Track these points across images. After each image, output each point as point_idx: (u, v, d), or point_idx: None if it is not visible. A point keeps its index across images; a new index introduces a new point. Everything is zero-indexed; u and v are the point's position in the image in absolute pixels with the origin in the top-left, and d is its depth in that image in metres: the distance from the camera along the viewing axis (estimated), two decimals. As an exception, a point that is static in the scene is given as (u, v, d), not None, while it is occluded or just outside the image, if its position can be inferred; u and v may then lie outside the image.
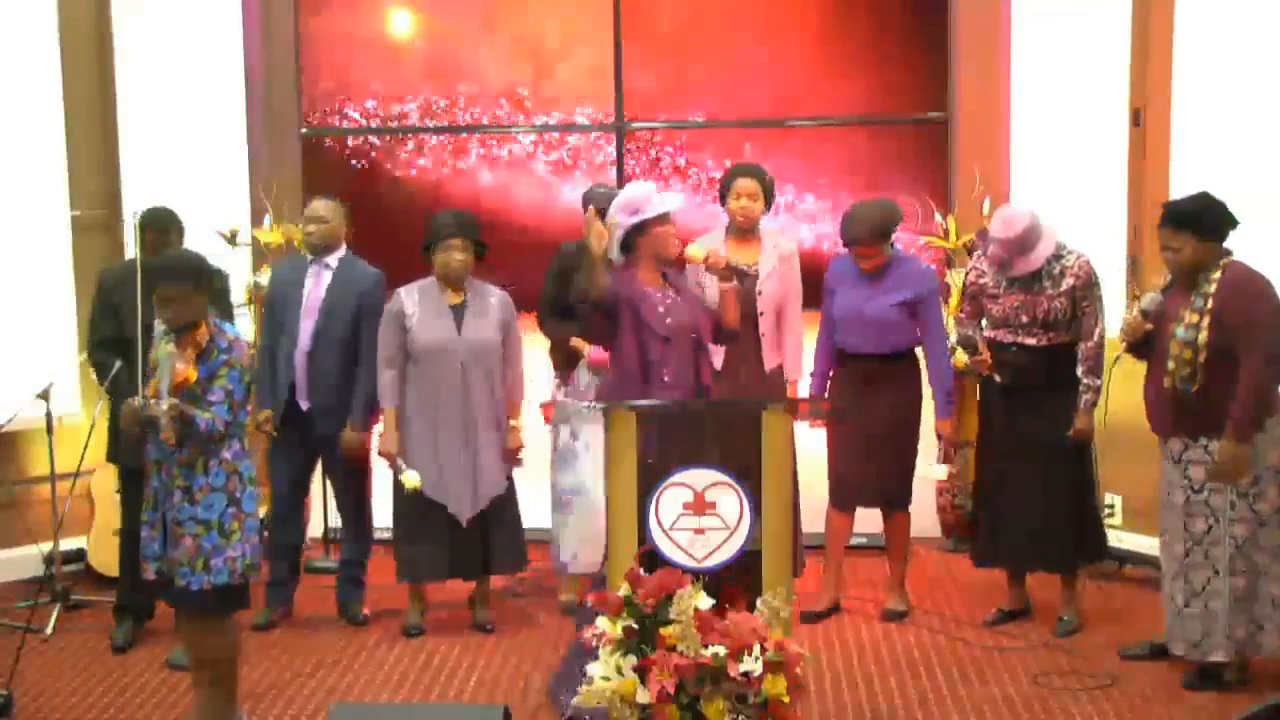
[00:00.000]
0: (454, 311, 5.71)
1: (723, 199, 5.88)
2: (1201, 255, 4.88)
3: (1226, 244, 4.93)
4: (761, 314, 5.79)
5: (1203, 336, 4.83)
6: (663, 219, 5.05)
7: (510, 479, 5.83)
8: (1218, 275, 4.86)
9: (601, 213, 5.15)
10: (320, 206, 5.94)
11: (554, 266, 5.95)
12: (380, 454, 5.72)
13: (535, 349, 6.14)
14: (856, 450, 5.72)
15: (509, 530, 5.82)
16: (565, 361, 5.94)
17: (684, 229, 6.06)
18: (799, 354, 5.93)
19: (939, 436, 5.77)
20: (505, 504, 5.81)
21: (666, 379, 5.00)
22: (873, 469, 5.71)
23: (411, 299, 5.71)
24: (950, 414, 5.76)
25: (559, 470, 5.94)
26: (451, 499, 5.67)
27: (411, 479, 5.55)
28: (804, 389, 5.93)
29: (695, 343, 5.12)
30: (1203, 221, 4.89)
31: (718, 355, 5.77)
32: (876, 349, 5.66)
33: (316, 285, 5.86)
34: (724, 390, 5.74)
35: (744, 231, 5.80)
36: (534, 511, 6.06)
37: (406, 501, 5.70)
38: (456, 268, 5.65)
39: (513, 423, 5.78)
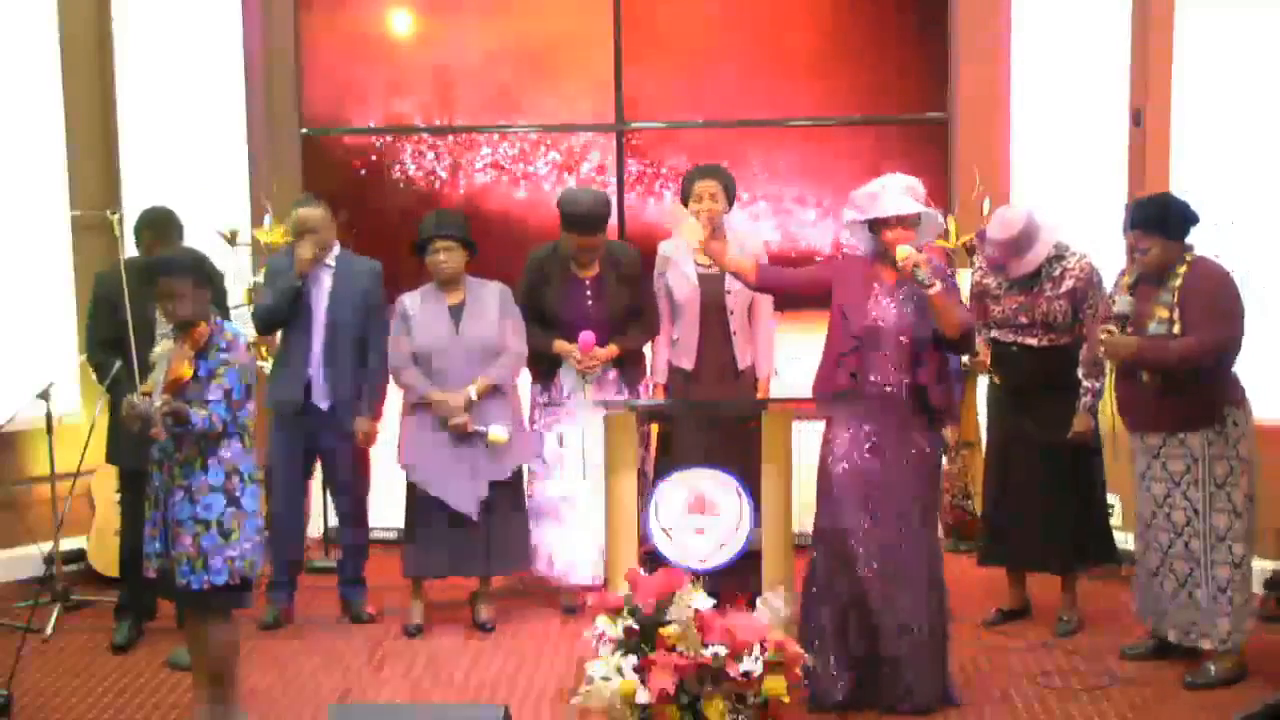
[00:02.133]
0: (452, 312, 5.72)
1: (684, 202, 5.86)
2: (1169, 254, 4.99)
3: (1190, 241, 5.03)
4: (731, 313, 5.78)
5: (1176, 329, 4.93)
6: (898, 221, 4.81)
7: (518, 473, 5.84)
8: (1183, 269, 4.97)
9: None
10: (310, 218, 5.84)
11: (526, 275, 5.94)
12: (455, 430, 5.63)
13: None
14: None
15: (514, 529, 5.82)
16: (545, 369, 5.94)
17: (661, 229, 6.08)
18: (770, 352, 5.92)
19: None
20: (511, 503, 5.82)
21: (872, 378, 4.82)
22: None
23: (414, 302, 5.76)
24: (956, 418, 5.72)
25: (545, 478, 5.93)
26: (454, 497, 5.68)
27: (497, 433, 5.59)
28: (781, 389, 5.92)
29: (910, 346, 4.82)
30: (1170, 222, 5.00)
31: (687, 355, 5.78)
32: None
33: (319, 286, 5.87)
34: (696, 392, 5.74)
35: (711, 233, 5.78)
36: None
37: (415, 498, 5.74)
38: (442, 269, 5.68)
39: (472, 387, 5.66)
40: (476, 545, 5.73)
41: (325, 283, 5.86)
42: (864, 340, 4.80)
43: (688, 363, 5.81)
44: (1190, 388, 4.94)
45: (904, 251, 4.73)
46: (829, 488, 4.83)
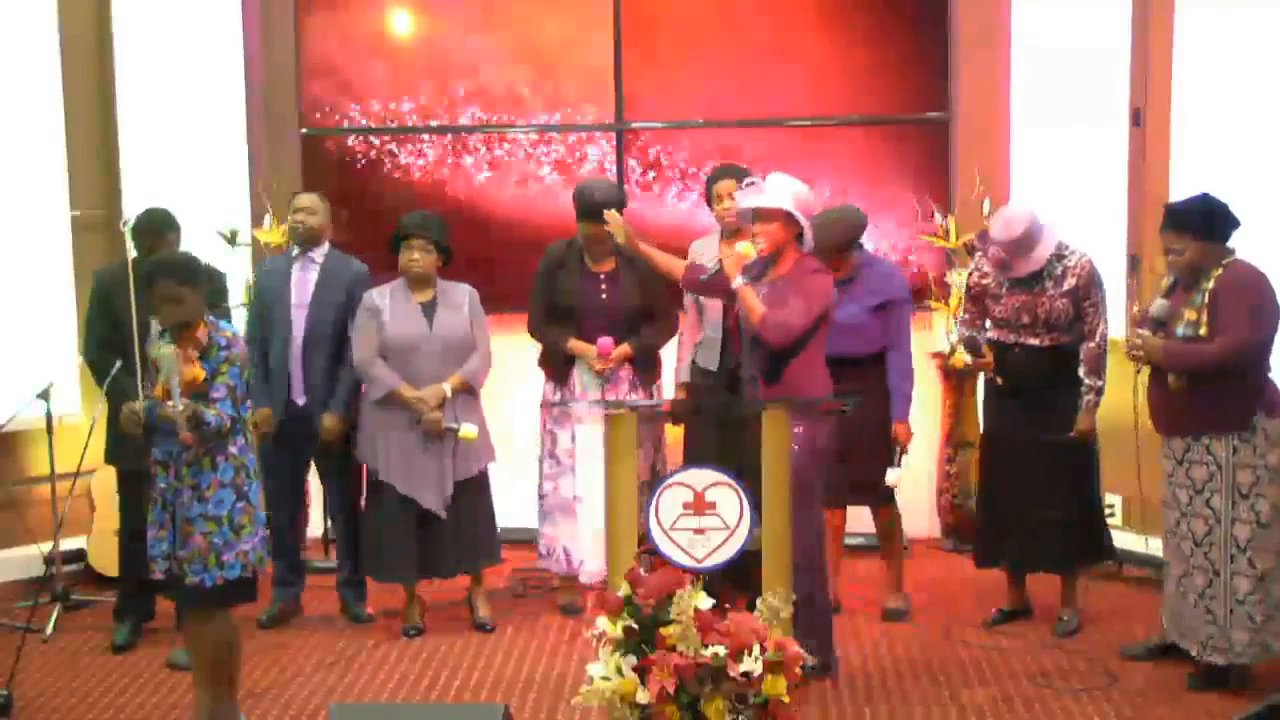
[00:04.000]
0: (424, 309, 5.72)
1: (709, 203, 5.88)
2: (1204, 256, 4.91)
3: (1231, 244, 4.95)
4: None
5: (1203, 331, 4.86)
6: (758, 215, 4.97)
7: (485, 472, 5.83)
8: (1218, 273, 4.89)
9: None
10: (307, 199, 6.01)
11: (542, 269, 5.95)
12: (430, 429, 5.63)
13: (529, 352, 6.15)
14: (837, 449, 5.71)
15: (481, 526, 5.82)
16: (560, 368, 5.94)
17: (687, 232, 6.12)
18: None
19: (894, 441, 5.72)
20: (478, 499, 5.81)
21: (743, 375, 5.02)
22: (854, 467, 5.69)
23: (384, 298, 5.74)
24: (907, 417, 5.73)
25: (562, 476, 5.93)
26: (424, 495, 5.68)
27: (468, 430, 5.60)
28: None
29: (755, 341, 5.00)
30: (1204, 223, 4.91)
31: (714, 356, 5.78)
32: (849, 351, 5.66)
33: (304, 280, 5.90)
34: (725, 394, 5.75)
35: (735, 232, 5.80)
36: (527, 513, 6.09)
37: (377, 499, 5.74)
38: (412, 267, 5.69)
39: (447, 384, 5.66)
40: (444, 545, 5.74)
41: (311, 280, 5.88)
42: (732, 332, 5.02)
43: (714, 364, 5.81)
44: (1215, 391, 4.86)
45: (738, 246, 4.98)
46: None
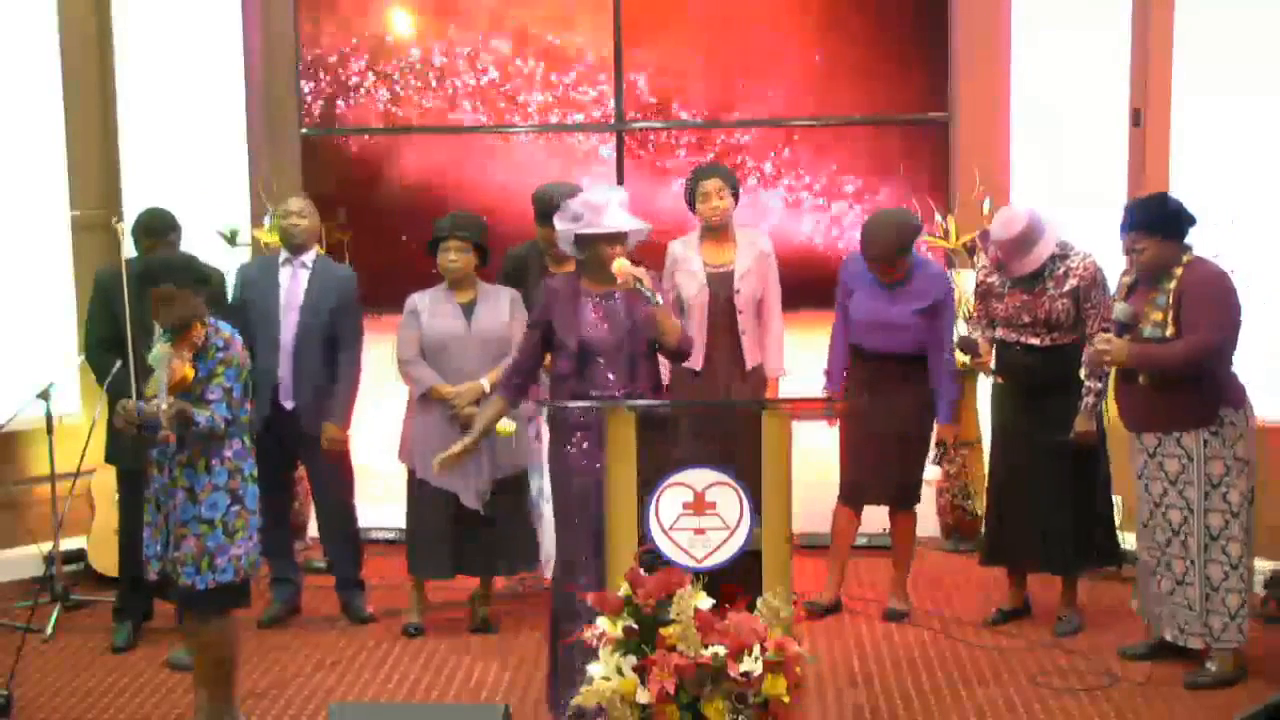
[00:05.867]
0: (464, 309, 5.74)
1: (690, 203, 5.89)
2: (1164, 254, 4.98)
3: (1188, 241, 5.02)
4: (740, 313, 5.79)
5: (1169, 332, 4.94)
6: (614, 238, 4.75)
7: (522, 475, 5.83)
8: (1179, 272, 4.97)
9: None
10: (299, 203, 5.99)
11: (504, 272, 5.96)
12: (465, 424, 5.58)
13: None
14: (869, 448, 5.73)
15: (519, 530, 5.83)
16: None
17: (685, 232, 6.12)
18: (780, 351, 5.95)
19: (938, 442, 5.74)
20: (515, 503, 5.82)
21: (594, 392, 4.80)
22: (884, 467, 5.71)
23: (424, 300, 5.78)
24: (952, 420, 5.76)
25: (532, 475, 5.92)
26: (461, 490, 5.68)
27: (505, 424, 5.50)
28: (791, 387, 5.94)
29: (625, 355, 4.81)
30: (1162, 222, 4.99)
31: (695, 355, 5.74)
32: (892, 349, 5.67)
33: (295, 283, 5.88)
34: (705, 391, 5.74)
35: (717, 231, 5.81)
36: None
37: (416, 497, 5.75)
38: (450, 268, 5.70)
39: (485, 379, 5.66)
40: (481, 544, 5.74)
41: (300, 283, 5.87)
42: (580, 355, 4.79)
43: (695, 362, 5.81)
44: (1184, 388, 4.95)
45: (621, 264, 4.71)
46: (567, 505, 4.85)
